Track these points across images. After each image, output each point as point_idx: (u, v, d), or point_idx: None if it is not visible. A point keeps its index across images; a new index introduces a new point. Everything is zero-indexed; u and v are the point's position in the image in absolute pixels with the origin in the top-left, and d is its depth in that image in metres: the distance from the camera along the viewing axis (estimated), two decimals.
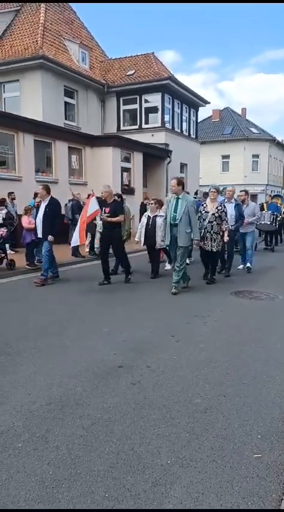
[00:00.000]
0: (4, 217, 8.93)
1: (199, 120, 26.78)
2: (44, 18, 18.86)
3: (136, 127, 20.89)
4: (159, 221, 8.03)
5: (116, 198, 8.55)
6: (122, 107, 21.19)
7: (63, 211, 12.05)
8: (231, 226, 8.39)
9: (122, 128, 21.13)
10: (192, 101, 23.30)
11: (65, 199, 12.18)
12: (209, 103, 24.89)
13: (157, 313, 5.83)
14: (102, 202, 7.76)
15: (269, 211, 13.37)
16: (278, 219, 13.65)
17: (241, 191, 9.83)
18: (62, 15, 20.91)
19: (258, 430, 2.80)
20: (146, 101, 20.76)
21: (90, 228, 10.05)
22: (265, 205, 14.24)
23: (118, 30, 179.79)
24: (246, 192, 9.74)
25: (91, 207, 7.76)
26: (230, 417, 2.96)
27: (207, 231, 7.63)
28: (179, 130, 22.35)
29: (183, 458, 2.48)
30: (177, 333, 4.87)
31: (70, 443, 2.63)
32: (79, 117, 19.41)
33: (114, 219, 7.55)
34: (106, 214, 7.56)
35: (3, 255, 8.88)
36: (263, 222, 12.81)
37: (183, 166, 22.68)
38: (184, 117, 23.05)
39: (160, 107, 20.43)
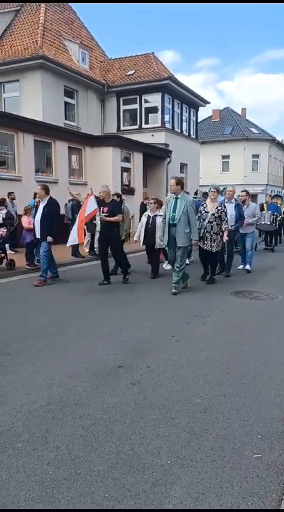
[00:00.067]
0: (4, 217, 8.92)
1: (199, 120, 26.79)
2: (43, 18, 18.86)
3: (136, 127, 20.89)
4: (159, 221, 8.03)
5: (115, 197, 8.55)
6: (122, 107, 21.20)
7: (63, 212, 12.08)
8: (231, 226, 8.38)
9: (122, 128, 21.13)
10: (191, 101, 23.31)
11: (64, 199, 12.18)
12: (209, 103, 24.91)
13: (157, 313, 5.83)
14: (100, 202, 7.74)
15: (269, 212, 13.36)
16: (278, 219, 13.65)
17: (242, 191, 9.81)
18: (61, 15, 20.91)
19: (258, 430, 2.80)
20: (146, 101, 20.76)
21: (90, 227, 10.06)
22: (265, 205, 14.23)
23: (118, 30, 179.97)
24: (247, 192, 9.73)
25: (90, 206, 7.72)
26: (230, 417, 2.96)
27: (207, 231, 7.62)
28: (179, 131, 22.36)
29: (183, 459, 2.48)
30: (177, 333, 4.87)
31: (70, 444, 2.63)
32: (79, 117, 19.42)
33: (112, 219, 7.54)
34: (104, 214, 7.55)
35: (3, 255, 8.87)
36: (263, 222, 12.80)
37: (183, 166, 22.69)
38: (184, 117, 23.06)
39: (160, 107, 20.44)
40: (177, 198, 6.94)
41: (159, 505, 2.12)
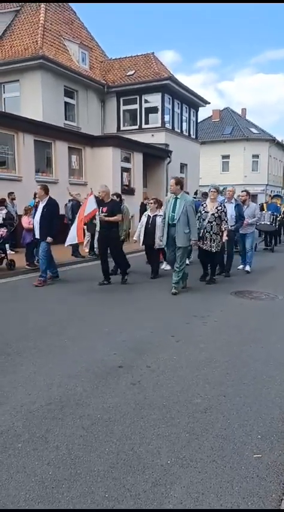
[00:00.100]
0: (4, 217, 8.92)
1: (199, 120, 26.79)
2: (43, 18, 18.87)
3: (136, 127, 20.89)
4: (159, 221, 8.03)
5: (115, 197, 8.55)
6: (122, 107, 21.20)
7: (63, 212, 12.07)
8: (231, 226, 8.37)
9: (122, 128, 21.13)
10: (192, 101, 23.31)
11: (65, 199, 12.17)
12: (209, 103, 24.91)
13: (157, 313, 5.83)
14: (99, 202, 7.73)
15: (269, 212, 13.36)
16: (278, 219, 13.65)
17: (242, 191, 9.80)
18: (61, 15, 20.91)
19: (258, 430, 2.80)
20: (146, 101, 20.76)
21: (90, 227, 10.05)
22: (265, 205, 14.23)
23: (118, 30, 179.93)
24: (247, 192, 9.72)
25: (89, 205, 7.71)
26: (230, 417, 2.96)
27: (207, 231, 7.62)
28: (179, 131, 22.36)
29: (183, 459, 2.48)
30: (177, 333, 4.87)
31: (70, 444, 2.63)
32: (79, 117, 19.42)
33: (111, 219, 7.53)
34: (103, 214, 7.54)
35: (3, 255, 8.87)
36: (263, 223, 12.80)
37: (183, 166, 22.69)
38: (184, 117, 23.05)
39: (160, 107, 20.44)
40: (176, 198, 6.94)
41: (159, 505, 2.12)
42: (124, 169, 17.71)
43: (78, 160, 16.55)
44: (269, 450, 2.58)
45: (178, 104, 21.98)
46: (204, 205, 7.90)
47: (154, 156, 19.73)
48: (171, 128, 21.13)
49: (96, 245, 10.02)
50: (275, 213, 13.38)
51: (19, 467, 2.40)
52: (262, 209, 13.25)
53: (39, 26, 18.39)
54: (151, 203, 8.65)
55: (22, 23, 19.33)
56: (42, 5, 19.43)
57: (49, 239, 7.67)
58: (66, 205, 12.32)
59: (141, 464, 2.42)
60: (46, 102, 17.03)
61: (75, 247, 10.90)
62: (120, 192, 11.90)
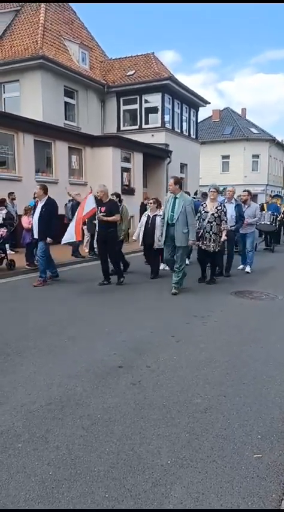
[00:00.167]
0: (4, 217, 8.92)
1: (199, 120, 26.78)
2: (44, 18, 18.87)
3: (137, 127, 20.89)
4: (158, 220, 8.03)
5: (114, 197, 8.53)
6: (122, 107, 21.20)
7: (63, 212, 12.06)
8: (231, 227, 8.34)
9: (122, 128, 21.13)
10: (192, 101, 23.31)
11: (65, 199, 12.17)
12: (209, 103, 24.90)
13: (157, 313, 5.83)
14: (98, 201, 7.71)
15: (269, 212, 13.36)
16: (278, 219, 13.64)
17: (244, 191, 9.79)
18: (62, 15, 20.92)
19: (258, 430, 2.80)
20: (146, 101, 20.76)
21: (90, 227, 10.04)
22: (265, 205, 14.22)
23: (118, 30, 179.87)
24: (249, 192, 9.71)
25: (88, 205, 7.67)
26: (230, 417, 2.96)
27: (206, 231, 7.62)
28: (179, 131, 22.36)
29: (183, 459, 2.48)
30: (177, 333, 4.87)
31: (70, 444, 2.63)
32: (79, 117, 19.42)
33: (109, 219, 7.52)
34: (102, 214, 7.53)
35: (3, 255, 8.87)
36: (263, 223, 12.80)
37: (183, 166, 22.69)
38: (184, 117, 23.05)
39: (160, 107, 20.44)
40: (175, 198, 6.94)
41: (159, 505, 2.12)
42: (124, 169, 17.71)
43: (78, 160, 16.55)
44: (270, 450, 2.58)
45: (178, 104, 21.98)
46: (204, 205, 7.90)
47: (154, 156, 19.73)
48: (171, 127, 21.13)
49: (96, 245, 10.01)
50: (275, 213, 13.38)
51: (19, 468, 2.40)
52: (262, 209, 13.24)
53: (39, 26, 18.39)
54: (150, 203, 8.66)
55: (22, 23, 19.33)
56: (42, 5, 19.43)
57: (49, 240, 7.67)
58: (66, 205, 12.32)
59: (141, 465, 2.42)
60: (46, 102, 17.03)
61: (75, 247, 10.90)
62: (120, 192, 11.90)
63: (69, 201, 12.05)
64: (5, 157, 13.45)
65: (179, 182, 7.11)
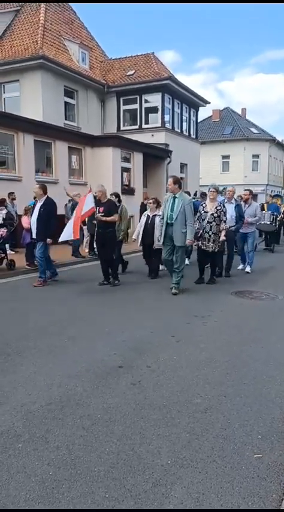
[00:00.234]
0: (4, 217, 8.92)
1: (199, 120, 26.77)
2: (43, 18, 18.86)
3: (136, 127, 20.88)
4: (157, 220, 8.02)
5: (113, 197, 8.52)
6: (122, 107, 21.20)
7: (62, 212, 12.07)
8: (230, 227, 8.32)
9: (122, 128, 21.13)
10: (192, 101, 23.30)
11: (64, 199, 12.19)
12: (209, 103, 24.90)
13: (157, 313, 5.83)
14: (96, 201, 7.69)
15: (269, 212, 13.36)
16: (278, 219, 13.64)
17: (245, 190, 9.77)
18: (61, 15, 20.91)
19: (258, 430, 2.80)
20: (146, 101, 20.75)
21: (90, 227, 10.04)
22: (265, 205, 14.22)
23: (118, 30, 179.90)
24: (250, 191, 9.69)
25: (87, 203, 7.63)
26: (230, 417, 2.96)
27: (206, 232, 7.61)
28: (179, 131, 22.35)
29: (183, 459, 2.48)
30: (177, 333, 4.87)
31: (70, 444, 2.63)
32: (79, 117, 19.41)
33: (108, 219, 7.50)
34: (100, 214, 7.52)
35: (3, 255, 8.87)
36: (263, 222, 12.80)
37: (183, 166, 22.68)
38: (184, 117, 23.05)
39: (160, 107, 20.43)
40: (175, 197, 6.93)
41: (160, 505, 2.12)
42: (124, 169, 17.70)
43: (78, 160, 16.55)
44: (270, 450, 2.58)
45: (178, 103, 21.98)
46: (204, 205, 7.89)
47: (154, 156, 19.73)
48: (171, 127, 21.13)
49: (96, 245, 9.99)
50: (275, 213, 13.38)
51: (19, 468, 2.40)
52: (262, 209, 13.24)
53: (39, 26, 18.39)
54: (150, 203, 8.65)
55: (22, 23, 19.33)
56: (42, 5, 19.43)
57: (49, 240, 7.65)
58: (66, 205, 12.32)
59: (141, 465, 2.42)
60: (46, 102, 17.02)
61: (76, 248, 10.90)
62: (119, 192, 11.89)
63: (69, 201, 12.06)
64: (5, 157, 13.45)
65: (178, 182, 7.10)
